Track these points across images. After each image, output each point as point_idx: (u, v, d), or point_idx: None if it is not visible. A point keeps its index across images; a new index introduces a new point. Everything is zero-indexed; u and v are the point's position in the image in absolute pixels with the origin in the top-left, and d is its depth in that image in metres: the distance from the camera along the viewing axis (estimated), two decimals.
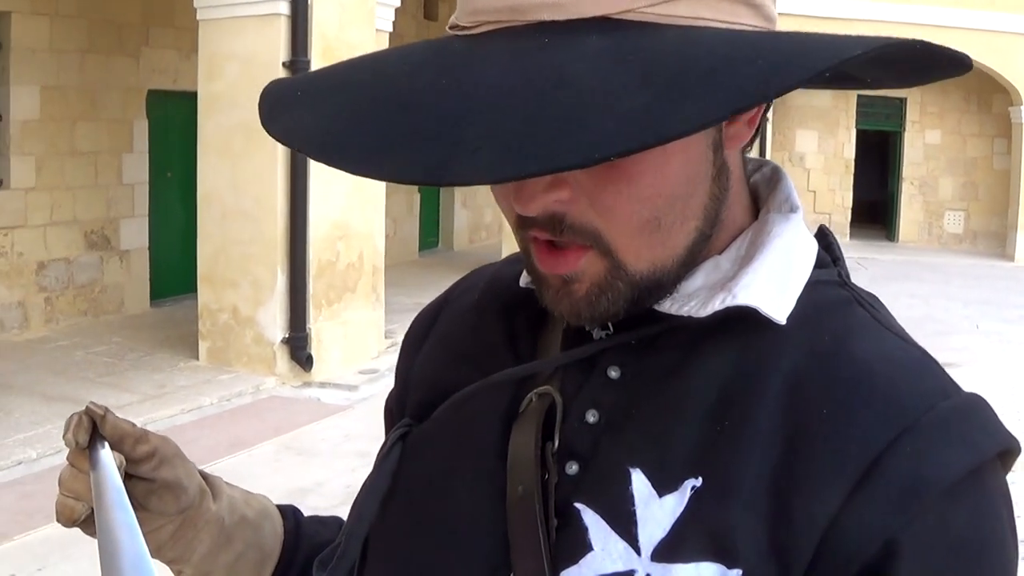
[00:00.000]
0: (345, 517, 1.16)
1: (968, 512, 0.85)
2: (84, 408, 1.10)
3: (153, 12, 12.44)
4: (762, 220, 1.00)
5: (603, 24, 0.79)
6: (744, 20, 0.84)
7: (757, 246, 0.96)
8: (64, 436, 1.07)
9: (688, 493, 0.89)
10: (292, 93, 0.88)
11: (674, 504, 0.89)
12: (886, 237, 24.84)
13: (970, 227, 23.99)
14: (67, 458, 1.10)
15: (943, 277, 19.10)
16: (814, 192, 24.25)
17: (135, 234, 12.72)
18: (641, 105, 0.70)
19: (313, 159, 0.78)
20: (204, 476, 1.20)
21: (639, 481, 0.91)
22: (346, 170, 0.75)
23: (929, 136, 23.94)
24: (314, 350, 9.83)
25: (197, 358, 10.16)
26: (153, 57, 12.59)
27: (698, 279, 0.95)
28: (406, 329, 1.29)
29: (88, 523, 1.08)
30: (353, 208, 10.20)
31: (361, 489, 1.12)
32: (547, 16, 0.80)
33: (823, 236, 1.06)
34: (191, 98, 10.03)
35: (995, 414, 0.91)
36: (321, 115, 0.82)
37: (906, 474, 0.84)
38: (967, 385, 0.94)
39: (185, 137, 11.57)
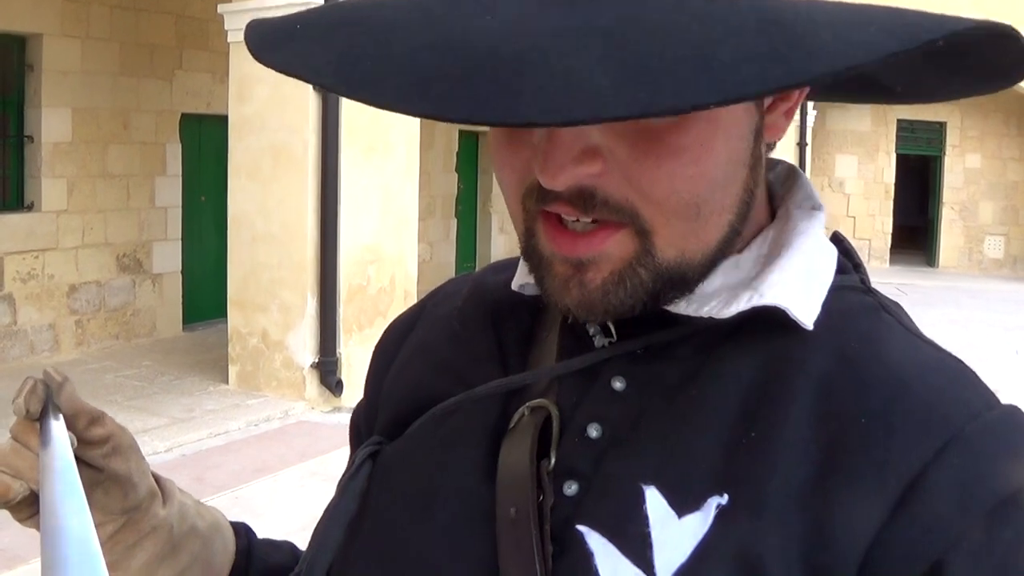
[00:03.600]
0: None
1: (1014, 531, 0.79)
2: (41, 373, 0.98)
3: (187, 35, 12.48)
4: (784, 217, 0.92)
5: None
6: None
7: (781, 244, 0.89)
8: (14, 401, 0.95)
9: (713, 512, 0.82)
10: (289, 26, 0.76)
11: (696, 525, 0.82)
12: (926, 263, 24.57)
13: (1010, 252, 23.71)
14: (11, 430, 0.98)
15: (983, 303, 18.87)
16: (854, 218, 24.07)
17: (168, 258, 12.71)
18: (760, 47, 0.62)
19: (335, 92, 0.68)
20: (156, 478, 1.10)
21: (654, 500, 0.83)
22: (380, 105, 0.65)
23: (969, 160, 23.70)
24: (344, 375, 9.75)
25: (227, 382, 10.13)
26: (187, 80, 12.61)
27: (717, 279, 0.88)
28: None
29: (21, 506, 0.97)
30: (385, 232, 10.13)
31: (324, 513, 1.02)
32: None
33: (839, 242, 0.98)
34: (225, 121, 10.04)
35: None
36: (336, 48, 0.71)
37: (954, 489, 0.78)
38: None
39: (219, 161, 11.55)
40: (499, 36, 0.65)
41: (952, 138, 23.76)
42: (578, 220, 0.81)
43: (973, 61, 0.78)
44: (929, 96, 0.93)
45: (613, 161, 0.78)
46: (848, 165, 24.19)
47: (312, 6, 8.13)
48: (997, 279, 22.65)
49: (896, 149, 24.09)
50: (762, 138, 0.86)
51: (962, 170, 23.80)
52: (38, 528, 1.00)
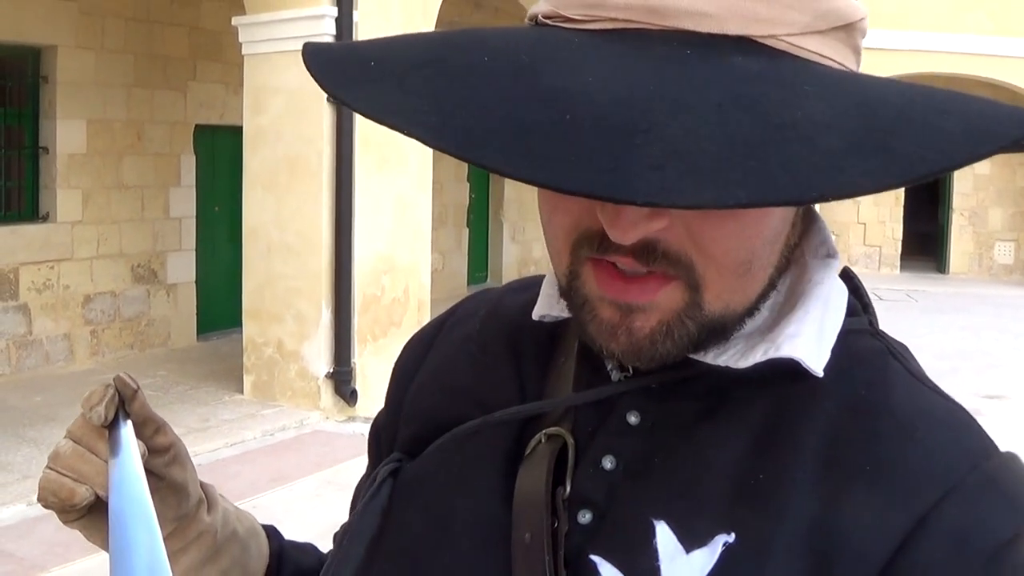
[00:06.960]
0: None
1: None
2: (113, 378, 0.99)
3: (200, 47, 12.54)
4: (800, 264, 0.93)
5: (743, 45, 0.72)
6: (851, 65, 0.79)
7: (798, 295, 0.90)
8: (92, 409, 0.97)
9: (719, 549, 0.83)
10: (361, 61, 0.76)
11: (703, 561, 0.83)
12: (936, 269, 24.49)
13: (1020, 258, 23.62)
14: (73, 433, 0.99)
15: (993, 309, 18.83)
16: (864, 224, 23.99)
17: (182, 268, 12.76)
18: (857, 144, 0.64)
19: (431, 145, 0.66)
20: (201, 484, 1.13)
21: (664, 535, 0.85)
22: (489, 167, 0.64)
23: (978, 166, 23.54)
24: (359, 385, 9.77)
25: (242, 392, 10.14)
26: (200, 91, 12.66)
27: None
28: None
29: (73, 512, 0.98)
30: (399, 242, 10.16)
31: (346, 529, 1.04)
32: (689, 25, 0.72)
33: (848, 279, 0.98)
34: (238, 132, 10.08)
35: None
36: (425, 97, 0.70)
37: (953, 538, 0.79)
38: (1018, 417, 0.89)
39: (233, 172, 11.61)
40: (608, 102, 0.66)
41: None
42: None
43: None
44: None
45: (678, 216, 0.78)
46: None
47: (326, 19, 8.08)
48: (1007, 285, 22.57)
49: None
50: None
51: (971, 176, 23.70)
52: (82, 530, 1.02)
